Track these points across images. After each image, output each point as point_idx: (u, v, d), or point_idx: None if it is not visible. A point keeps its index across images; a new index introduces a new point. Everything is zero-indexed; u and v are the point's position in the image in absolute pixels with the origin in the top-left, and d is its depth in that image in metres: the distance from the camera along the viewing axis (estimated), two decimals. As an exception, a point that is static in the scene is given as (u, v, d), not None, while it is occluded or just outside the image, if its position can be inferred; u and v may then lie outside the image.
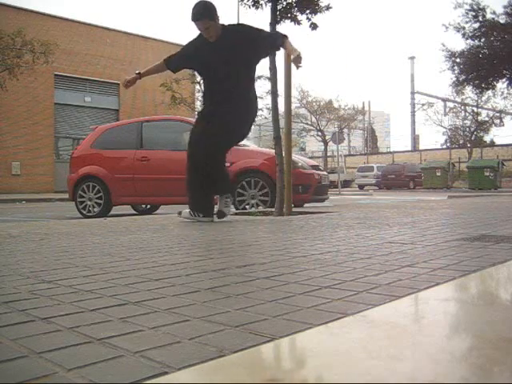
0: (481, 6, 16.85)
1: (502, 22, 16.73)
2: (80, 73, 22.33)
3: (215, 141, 4.16)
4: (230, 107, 4.14)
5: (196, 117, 4.76)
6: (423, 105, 41.98)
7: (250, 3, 5.46)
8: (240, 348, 0.96)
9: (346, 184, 31.13)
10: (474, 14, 16.89)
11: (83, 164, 7.97)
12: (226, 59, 4.11)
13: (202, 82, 23.62)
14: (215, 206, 4.42)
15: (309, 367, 0.82)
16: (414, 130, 51.24)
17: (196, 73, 4.81)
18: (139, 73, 4.34)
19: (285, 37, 4.17)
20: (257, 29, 4.19)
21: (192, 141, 4.22)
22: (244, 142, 8.46)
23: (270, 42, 4.22)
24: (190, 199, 4.30)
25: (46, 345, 1.02)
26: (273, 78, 5.18)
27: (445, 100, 39.37)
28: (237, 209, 6.88)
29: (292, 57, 4.08)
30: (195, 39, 4.27)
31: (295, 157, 7.51)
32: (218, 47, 4.11)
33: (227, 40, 4.11)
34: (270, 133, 7.68)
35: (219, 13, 4.06)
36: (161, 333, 1.09)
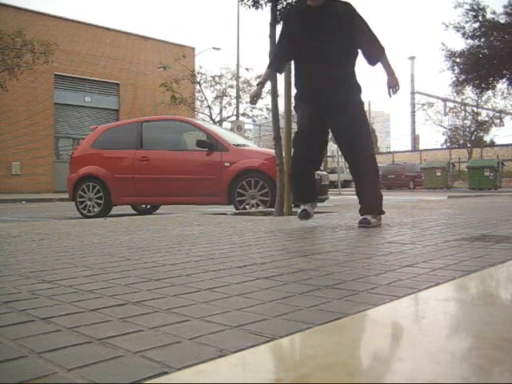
0: (481, 6, 16.85)
1: (502, 21, 16.72)
2: (80, 73, 22.32)
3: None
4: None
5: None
6: (423, 105, 42.01)
7: (250, 3, 5.46)
8: (240, 348, 0.96)
9: (346, 184, 31.12)
10: (474, 13, 16.88)
11: (83, 164, 7.97)
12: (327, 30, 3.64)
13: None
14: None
15: (309, 367, 0.82)
16: (414, 130, 51.27)
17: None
18: (262, 83, 4.05)
19: (384, 53, 3.67)
20: (367, 25, 3.67)
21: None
22: (244, 142, 8.48)
23: (372, 51, 3.68)
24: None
25: (46, 345, 1.02)
26: (273, 78, 5.17)
27: (445, 100, 39.38)
28: (237, 209, 6.88)
29: (390, 79, 3.64)
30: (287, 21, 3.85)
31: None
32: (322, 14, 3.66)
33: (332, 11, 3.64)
34: (270, 133, 7.68)
35: None
36: (161, 333, 1.09)
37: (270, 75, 4.19)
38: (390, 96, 3.69)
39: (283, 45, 3.89)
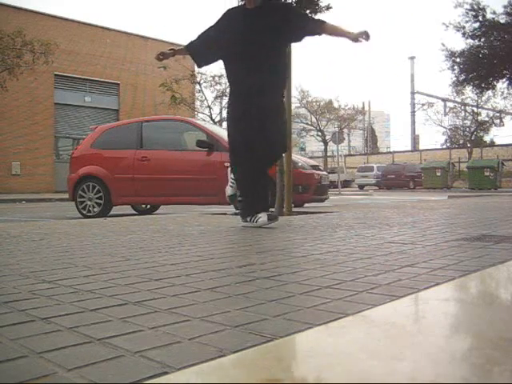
0: (481, 6, 16.84)
1: (502, 21, 16.71)
2: (80, 73, 22.31)
3: None
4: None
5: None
6: (423, 105, 41.97)
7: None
8: (240, 348, 0.96)
9: (346, 184, 31.11)
10: (474, 13, 16.87)
11: (83, 164, 7.97)
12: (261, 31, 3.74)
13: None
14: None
15: (309, 367, 0.82)
16: (414, 130, 51.23)
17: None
18: (173, 49, 4.08)
19: (323, 22, 3.78)
20: (301, 13, 3.79)
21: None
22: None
23: (310, 28, 3.79)
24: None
25: (45, 345, 1.02)
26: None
27: (445, 100, 39.35)
28: (237, 209, 6.88)
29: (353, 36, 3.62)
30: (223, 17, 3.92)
31: (295, 157, 7.51)
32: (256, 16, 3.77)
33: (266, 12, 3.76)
34: (270, 133, 7.66)
35: None
36: (161, 333, 1.09)
37: (185, 53, 4.15)
38: (367, 40, 3.61)
39: (210, 37, 3.92)
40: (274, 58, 3.77)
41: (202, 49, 4.01)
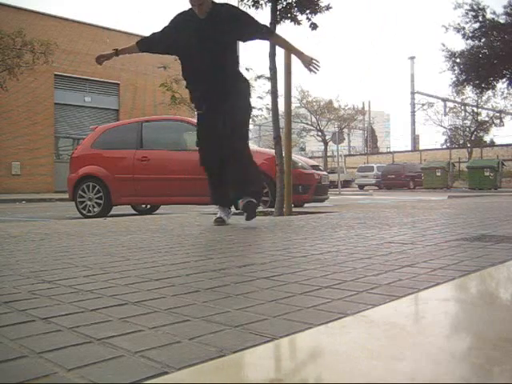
0: (481, 6, 16.83)
1: (502, 21, 16.71)
2: (80, 73, 22.31)
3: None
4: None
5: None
6: (423, 105, 41.98)
7: (249, 3, 5.46)
8: (240, 348, 0.96)
9: (346, 184, 31.12)
10: (474, 14, 16.87)
11: (83, 164, 7.97)
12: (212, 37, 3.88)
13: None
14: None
15: (309, 367, 0.82)
16: (414, 130, 51.25)
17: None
18: (116, 49, 4.20)
19: (273, 33, 4.11)
20: (250, 17, 3.94)
21: None
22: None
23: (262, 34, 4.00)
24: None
25: (45, 345, 1.02)
26: (273, 78, 5.17)
27: (445, 100, 39.35)
28: (237, 209, 6.88)
29: (303, 60, 3.90)
30: (176, 17, 4.03)
31: (295, 157, 7.51)
32: (207, 24, 3.86)
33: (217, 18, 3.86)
34: (270, 133, 7.67)
35: None
36: (161, 333, 1.09)
37: (132, 51, 4.35)
38: (316, 72, 3.89)
39: (163, 35, 4.05)
40: (223, 60, 3.89)
41: (151, 41, 4.21)
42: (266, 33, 4.01)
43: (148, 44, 4.23)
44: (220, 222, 4.05)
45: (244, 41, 4.07)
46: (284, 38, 4.10)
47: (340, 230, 3.29)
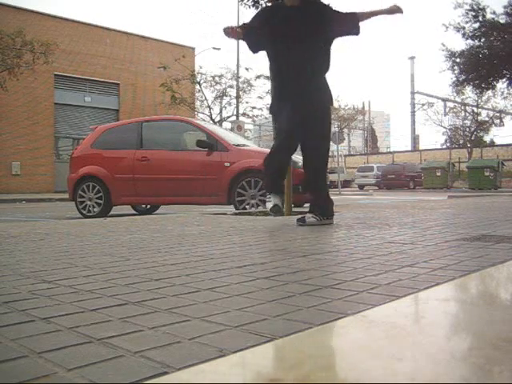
0: (481, 6, 16.84)
1: (502, 21, 16.72)
2: (80, 73, 22.32)
3: None
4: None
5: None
6: (423, 105, 42.01)
7: (250, 3, 5.47)
8: (240, 348, 0.96)
9: (346, 184, 31.12)
10: (474, 13, 16.88)
11: (83, 164, 7.98)
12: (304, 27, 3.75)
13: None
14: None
15: (309, 367, 0.82)
16: (414, 130, 51.23)
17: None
18: (243, 29, 3.87)
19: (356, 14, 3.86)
20: (338, 12, 3.84)
21: None
22: (244, 142, 8.48)
23: (347, 27, 3.87)
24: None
25: (45, 345, 1.02)
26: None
27: (445, 100, 39.36)
28: (237, 209, 6.88)
29: (386, 12, 3.79)
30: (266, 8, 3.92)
31: (295, 157, 7.49)
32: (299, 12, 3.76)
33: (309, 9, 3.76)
34: (270, 133, 7.66)
35: None
36: (161, 333, 1.09)
37: (240, 37, 3.98)
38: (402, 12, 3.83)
39: (254, 28, 3.87)
40: (314, 52, 3.77)
41: (252, 36, 3.94)
42: (352, 18, 3.83)
43: (255, 47, 4.02)
44: (277, 209, 3.89)
45: (334, 34, 3.90)
46: (364, 12, 3.87)
47: (340, 230, 3.29)
